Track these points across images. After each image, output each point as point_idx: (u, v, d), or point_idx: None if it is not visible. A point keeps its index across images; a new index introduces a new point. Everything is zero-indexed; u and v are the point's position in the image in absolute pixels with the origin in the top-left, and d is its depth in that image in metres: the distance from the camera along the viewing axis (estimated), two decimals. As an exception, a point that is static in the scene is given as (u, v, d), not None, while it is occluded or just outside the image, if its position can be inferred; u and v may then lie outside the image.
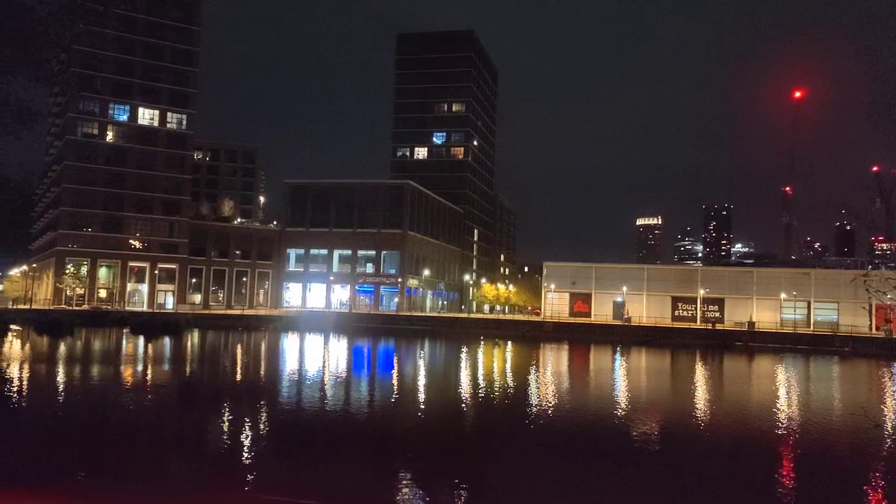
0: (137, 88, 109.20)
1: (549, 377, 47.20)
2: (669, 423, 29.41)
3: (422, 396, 36.12)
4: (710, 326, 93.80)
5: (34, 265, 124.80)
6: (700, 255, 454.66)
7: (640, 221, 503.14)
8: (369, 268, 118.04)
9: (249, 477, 18.12)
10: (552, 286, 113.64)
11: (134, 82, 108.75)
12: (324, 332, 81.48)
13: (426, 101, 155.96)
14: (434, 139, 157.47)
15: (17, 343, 58.50)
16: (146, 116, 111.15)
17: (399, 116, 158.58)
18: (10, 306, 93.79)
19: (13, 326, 67.91)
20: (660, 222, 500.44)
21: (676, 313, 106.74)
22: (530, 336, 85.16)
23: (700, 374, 54.35)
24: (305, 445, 22.71)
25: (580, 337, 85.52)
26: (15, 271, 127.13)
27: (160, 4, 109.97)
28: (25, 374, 39.28)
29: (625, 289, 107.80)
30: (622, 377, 50.02)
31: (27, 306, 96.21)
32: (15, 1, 9.51)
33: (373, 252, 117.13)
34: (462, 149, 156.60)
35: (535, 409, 31.66)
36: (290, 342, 70.66)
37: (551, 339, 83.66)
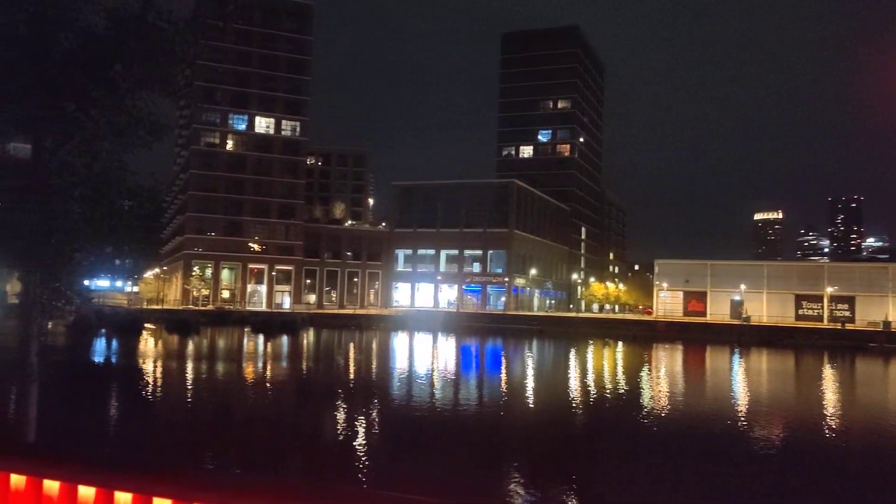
0: (254, 98, 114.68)
1: (664, 378, 45.72)
2: (793, 428, 27.74)
3: (532, 395, 35.89)
4: (839, 326, 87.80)
5: (164, 268, 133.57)
6: (826, 250, 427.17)
7: (758, 216, 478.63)
8: (476, 267, 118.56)
9: (363, 471, 18.58)
10: (664, 284, 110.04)
11: (251, 93, 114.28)
12: (432, 331, 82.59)
13: (531, 99, 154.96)
14: (539, 137, 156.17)
15: (151, 341, 62.82)
16: (262, 125, 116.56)
17: (504, 115, 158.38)
18: (144, 306, 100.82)
19: (147, 325, 72.98)
20: (780, 217, 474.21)
21: (800, 312, 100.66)
22: (642, 336, 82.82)
23: (829, 376, 51.00)
24: (418, 442, 23.05)
25: (695, 337, 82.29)
26: (148, 274, 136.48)
27: (275, 17, 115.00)
28: (159, 370, 42.17)
29: (743, 287, 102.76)
30: (742, 379, 47.72)
31: (159, 306, 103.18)
32: (146, 22, 10.16)
33: (479, 251, 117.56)
34: (568, 146, 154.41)
35: (648, 410, 30.73)
36: (400, 341, 72.12)
37: (664, 339, 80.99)
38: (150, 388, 34.58)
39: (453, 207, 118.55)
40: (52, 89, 9.67)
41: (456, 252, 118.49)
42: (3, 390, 28.31)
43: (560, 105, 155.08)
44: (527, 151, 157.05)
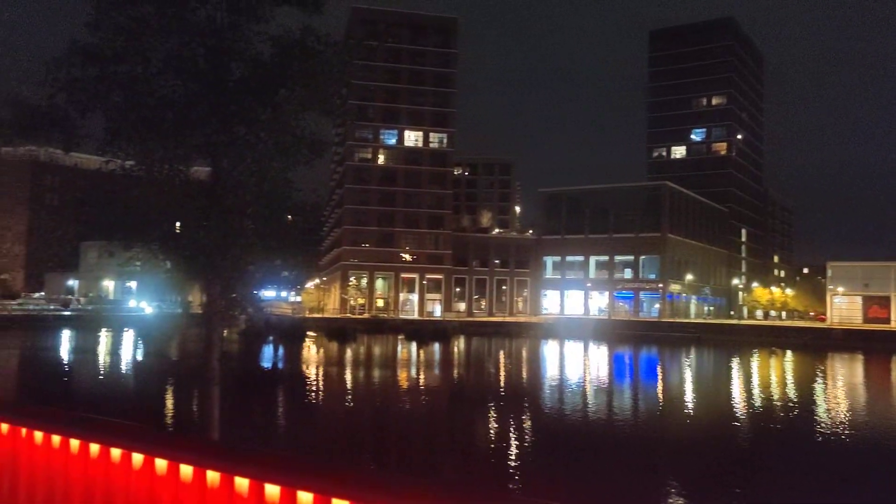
0: (404, 113, 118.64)
1: (842, 391, 41.93)
2: None
3: (691, 406, 34.19)
4: None
5: (324, 278, 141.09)
6: None
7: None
8: (627, 273, 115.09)
9: (516, 477, 18.51)
10: (839, 289, 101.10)
11: (400, 108, 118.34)
12: (583, 338, 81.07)
13: (683, 97, 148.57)
14: (692, 136, 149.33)
15: (312, 347, 66.47)
16: (412, 138, 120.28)
17: (654, 115, 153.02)
18: (306, 315, 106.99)
19: (309, 333, 77.31)
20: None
21: None
22: (814, 345, 76.50)
23: None
24: (571, 450, 22.65)
25: (878, 346, 74.79)
26: (309, 284, 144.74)
27: (421, 33, 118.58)
28: (323, 375, 44.55)
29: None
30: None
31: (319, 315, 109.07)
32: (306, 47, 10.81)
33: (630, 257, 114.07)
34: (725, 144, 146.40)
35: (825, 427, 28.28)
36: (551, 349, 71.42)
37: (840, 348, 74.30)
38: (316, 392, 36.60)
39: (602, 213, 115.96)
40: (227, 115, 10.52)
41: (606, 258, 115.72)
42: (187, 393, 31.06)
43: (715, 102, 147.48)
44: (679, 152, 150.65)
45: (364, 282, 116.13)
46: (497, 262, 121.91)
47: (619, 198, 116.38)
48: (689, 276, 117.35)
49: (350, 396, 35.93)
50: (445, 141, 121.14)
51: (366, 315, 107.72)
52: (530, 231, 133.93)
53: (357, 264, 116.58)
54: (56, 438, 3.59)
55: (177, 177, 10.69)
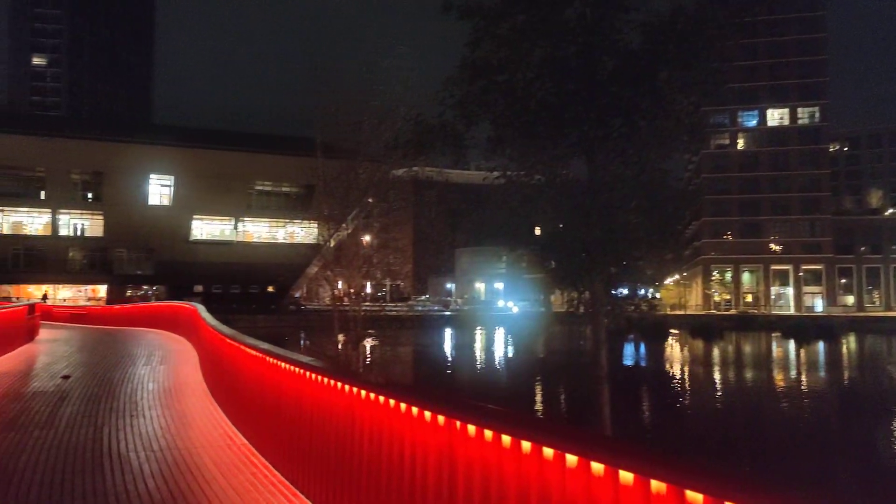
0: (764, 91, 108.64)
1: None
2: None
3: None
4: None
5: (684, 273, 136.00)
6: None
7: None
8: None
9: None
10: None
11: (760, 86, 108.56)
12: None
13: None
14: None
15: (676, 346, 64.23)
16: (775, 117, 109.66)
17: None
18: (667, 311, 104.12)
19: (672, 330, 74.93)
20: None
21: None
22: None
23: None
24: None
25: None
26: (668, 280, 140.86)
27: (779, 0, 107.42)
28: (687, 373, 42.72)
29: None
30: None
31: (681, 312, 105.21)
32: (676, 30, 10.18)
33: None
34: None
35: None
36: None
37: None
38: (683, 392, 35.20)
39: None
40: (601, 110, 10.43)
41: None
42: (560, 389, 32.29)
43: None
44: None
45: (728, 276, 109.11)
46: (894, 247, 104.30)
47: None
48: None
49: (720, 396, 33.75)
50: (817, 115, 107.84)
51: (732, 311, 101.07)
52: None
53: (719, 257, 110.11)
54: (488, 433, 3.67)
55: (556, 178, 10.91)
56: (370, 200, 24.05)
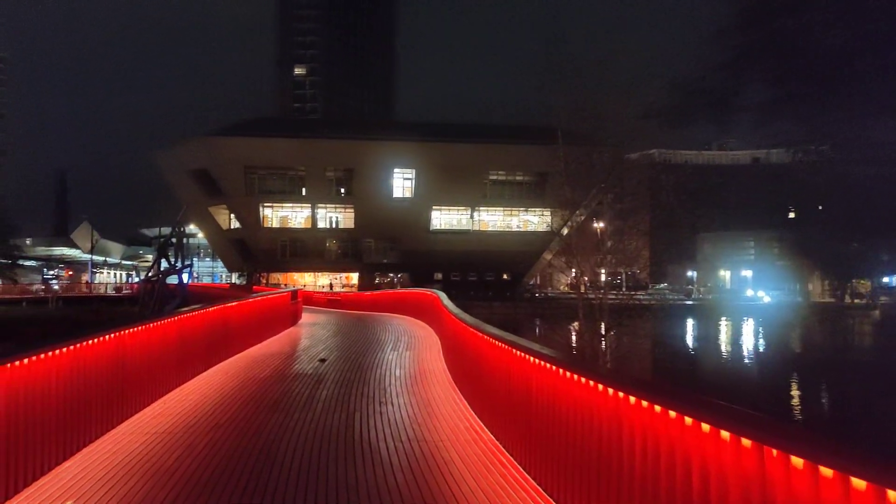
0: None
1: None
2: None
3: None
4: None
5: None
6: None
7: None
8: None
9: None
10: None
11: None
12: None
13: None
14: None
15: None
16: None
17: None
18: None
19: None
20: None
21: None
22: None
23: None
24: None
25: None
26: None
27: None
28: None
29: None
30: None
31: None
32: None
33: None
34: None
35: None
36: None
37: None
38: None
39: None
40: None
41: None
42: (818, 388, 28.48)
43: None
44: None
45: None
46: None
47: None
48: None
49: None
50: None
51: None
52: None
53: None
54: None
55: (857, 140, 9.07)
56: (604, 186, 23.16)
